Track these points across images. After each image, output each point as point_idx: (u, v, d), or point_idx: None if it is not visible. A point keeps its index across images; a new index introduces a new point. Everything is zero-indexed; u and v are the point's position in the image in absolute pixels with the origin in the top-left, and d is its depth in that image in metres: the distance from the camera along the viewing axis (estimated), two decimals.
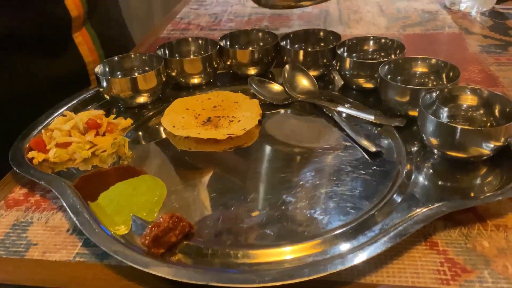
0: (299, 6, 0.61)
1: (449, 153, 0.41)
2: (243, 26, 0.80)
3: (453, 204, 0.35)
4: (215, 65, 0.60)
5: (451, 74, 0.49)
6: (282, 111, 0.53)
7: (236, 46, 0.63)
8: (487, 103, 0.43)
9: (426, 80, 0.51)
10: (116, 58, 0.58)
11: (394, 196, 0.38)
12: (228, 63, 0.60)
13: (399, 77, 0.51)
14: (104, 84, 0.53)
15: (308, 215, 0.37)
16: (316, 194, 0.39)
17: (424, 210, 0.35)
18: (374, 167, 0.42)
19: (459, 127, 0.39)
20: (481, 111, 0.44)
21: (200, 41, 0.63)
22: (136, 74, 0.58)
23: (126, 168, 0.44)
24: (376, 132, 0.48)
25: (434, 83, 0.50)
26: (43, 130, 0.48)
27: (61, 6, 0.60)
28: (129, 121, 0.51)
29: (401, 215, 0.36)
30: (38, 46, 0.60)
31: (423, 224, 0.34)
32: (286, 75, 0.56)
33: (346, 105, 0.52)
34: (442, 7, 0.83)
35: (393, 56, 0.56)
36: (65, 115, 0.50)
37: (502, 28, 0.72)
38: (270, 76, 0.61)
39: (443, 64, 0.50)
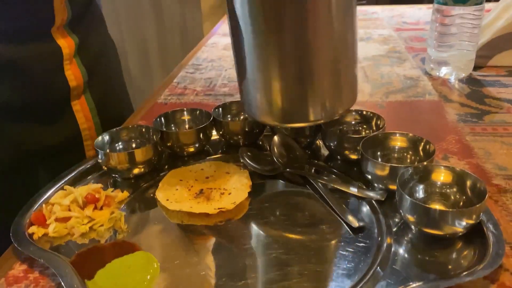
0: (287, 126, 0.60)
1: (425, 230, 0.44)
2: (236, 91, 0.84)
3: (428, 286, 0.38)
4: (209, 135, 0.63)
5: (427, 148, 0.53)
6: (271, 181, 0.56)
7: (228, 116, 0.67)
8: (460, 181, 0.47)
9: (405, 154, 0.54)
10: (115, 130, 0.61)
11: (374, 274, 0.41)
12: (221, 132, 0.64)
13: (379, 152, 0.55)
14: (103, 157, 0.56)
15: None
16: (301, 272, 0.42)
17: None
18: (356, 243, 0.45)
19: (433, 207, 0.42)
20: (454, 189, 0.47)
21: (195, 112, 0.67)
22: (134, 145, 0.61)
23: (122, 244, 0.46)
24: (359, 204, 0.51)
25: (412, 158, 0.54)
26: (44, 205, 0.51)
27: (60, 76, 0.63)
28: (125, 194, 0.54)
29: None
30: (34, 114, 0.62)
31: None
32: (275, 146, 0.59)
33: (331, 177, 0.56)
34: (423, 73, 0.88)
35: (374, 128, 0.60)
36: (65, 189, 0.52)
37: (479, 95, 0.76)
38: (260, 143, 0.65)
39: (420, 140, 0.53)
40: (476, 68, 0.86)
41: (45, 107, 0.63)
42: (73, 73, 0.64)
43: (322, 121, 0.54)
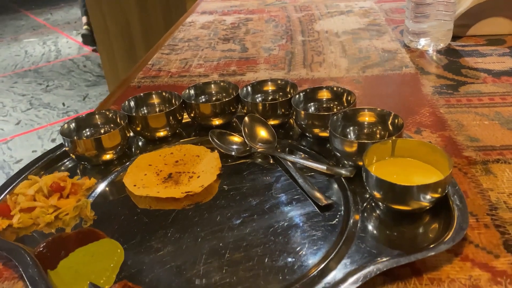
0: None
1: (392, 205, 0.44)
2: (212, 71, 0.83)
3: (390, 262, 0.38)
4: (179, 118, 0.62)
5: (396, 122, 0.52)
6: (242, 162, 0.56)
7: (200, 98, 0.66)
8: (431, 154, 0.46)
9: (374, 129, 0.54)
10: (81, 116, 0.60)
11: (339, 252, 0.40)
12: (192, 115, 0.63)
13: (350, 128, 0.54)
14: (69, 144, 0.55)
15: (253, 278, 0.39)
16: (266, 252, 0.41)
17: (365, 268, 0.38)
18: (323, 221, 0.45)
19: (398, 184, 0.41)
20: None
21: (164, 94, 0.65)
22: (102, 131, 0.60)
23: (87, 232, 0.45)
24: (328, 182, 0.50)
25: (382, 133, 0.53)
26: (8, 196, 0.50)
27: None
28: (93, 181, 0.53)
29: (343, 273, 0.38)
30: None
31: (362, 283, 0.36)
32: (246, 127, 0.59)
33: (301, 155, 0.55)
34: (402, 45, 0.87)
35: (345, 104, 0.59)
36: (29, 179, 0.52)
37: (456, 66, 0.75)
38: (234, 124, 0.64)
39: (388, 114, 0.52)
40: (455, 38, 0.85)
41: None
42: None
43: None
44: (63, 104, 2.64)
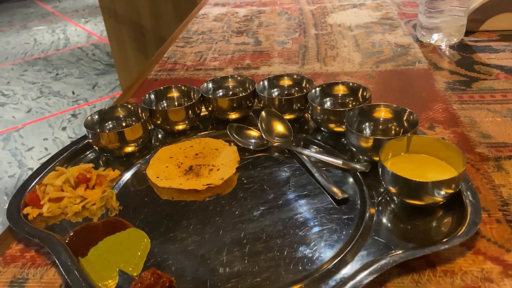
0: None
1: (406, 200, 0.45)
2: (227, 65, 0.84)
3: (406, 254, 0.39)
4: (198, 111, 0.64)
5: (411, 118, 0.53)
6: (259, 156, 0.58)
7: (217, 92, 0.68)
8: (445, 151, 0.47)
9: (389, 125, 0.55)
10: (104, 109, 0.62)
11: (355, 244, 0.42)
12: (210, 109, 0.64)
13: (365, 124, 0.55)
14: (93, 137, 0.57)
15: (274, 268, 0.41)
16: (285, 244, 0.43)
17: (381, 260, 0.39)
18: (340, 214, 0.46)
19: (413, 179, 0.43)
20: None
21: (183, 88, 0.67)
22: (124, 124, 0.62)
23: (114, 222, 0.47)
24: (344, 176, 0.52)
25: (397, 129, 0.54)
26: (37, 186, 0.52)
27: None
28: (117, 172, 0.55)
29: (360, 264, 0.40)
30: None
31: (378, 274, 0.38)
32: (262, 121, 0.60)
33: (317, 150, 0.57)
34: (414, 40, 0.87)
35: (361, 99, 0.61)
36: (57, 170, 0.54)
37: (468, 62, 0.76)
38: (250, 118, 0.66)
39: (403, 110, 0.54)
40: (468, 33, 0.85)
41: None
42: None
43: None
44: (73, 93, 2.66)
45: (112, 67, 2.85)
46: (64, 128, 2.30)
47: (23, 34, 3.73)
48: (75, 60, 3.13)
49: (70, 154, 0.59)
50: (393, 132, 0.54)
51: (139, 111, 0.62)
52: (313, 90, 0.61)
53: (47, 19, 4.06)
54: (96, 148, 0.58)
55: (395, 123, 0.55)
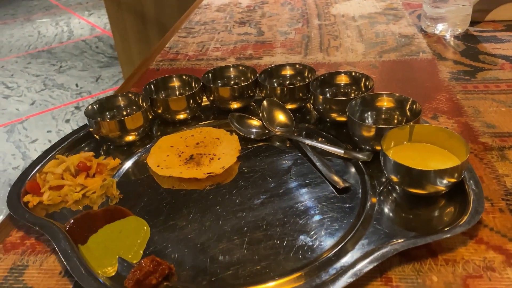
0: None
1: (408, 189, 0.45)
2: (229, 55, 0.84)
3: (407, 243, 0.39)
4: (199, 101, 0.63)
5: (414, 108, 0.53)
6: (260, 145, 0.57)
7: (219, 81, 0.67)
8: (448, 140, 0.47)
9: (392, 115, 0.54)
10: (105, 98, 0.62)
11: (356, 233, 0.42)
12: (211, 98, 0.64)
13: (368, 113, 0.55)
14: (93, 125, 0.57)
15: (274, 256, 0.41)
16: (285, 232, 0.43)
17: (382, 248, 0.39)
18: (341, 203, 0.46)
19: (415, 168, 0.42)
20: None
21: (184, 77, 0.67)
22: (125, 113, 0.62)
23: (114, 210, 0.47)
24: (346, 165, 0.51)
25: (400, 118, 0.54)
26: (37, 174, 0.52)
27: None
28: (117, 161, 0.55)
29: (361, 252, 0.39)
30: None
31: (378, 262, 0.38)
32: (264, 110, 0.60)
33: (319, 139, 0.56)
34: (418, 30, 0.86)
35: (363, 89, 0.60)
36: (57, 158, 0.54)
37: (473, 52, 0.75)
38: (252, 108, 0.65)
39: (406, 100, 0.53)
40: (473, 23, 0.84)
41: None
42: None
43: None
44: (77, 85, 2.66)
45: (116, 59, 2.85)
46: (67, 121, 2.30)
47: (27, 27, 3.73)
48: (79, 52, 3.13)
49: (71, 143, 0.59)
50: (395, 121, 0.54)
51: (140, 100, 0.62)
52: (315, 80, 0.60)
53: (50, 11, 4.06)
54: (97, 137, 0.58)
55: (397, 112, 0.54)
